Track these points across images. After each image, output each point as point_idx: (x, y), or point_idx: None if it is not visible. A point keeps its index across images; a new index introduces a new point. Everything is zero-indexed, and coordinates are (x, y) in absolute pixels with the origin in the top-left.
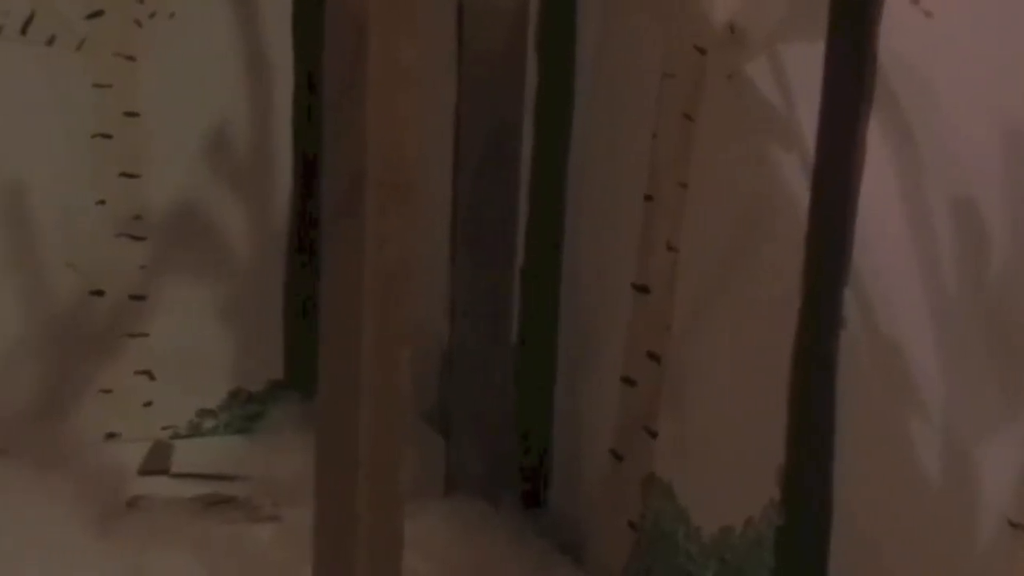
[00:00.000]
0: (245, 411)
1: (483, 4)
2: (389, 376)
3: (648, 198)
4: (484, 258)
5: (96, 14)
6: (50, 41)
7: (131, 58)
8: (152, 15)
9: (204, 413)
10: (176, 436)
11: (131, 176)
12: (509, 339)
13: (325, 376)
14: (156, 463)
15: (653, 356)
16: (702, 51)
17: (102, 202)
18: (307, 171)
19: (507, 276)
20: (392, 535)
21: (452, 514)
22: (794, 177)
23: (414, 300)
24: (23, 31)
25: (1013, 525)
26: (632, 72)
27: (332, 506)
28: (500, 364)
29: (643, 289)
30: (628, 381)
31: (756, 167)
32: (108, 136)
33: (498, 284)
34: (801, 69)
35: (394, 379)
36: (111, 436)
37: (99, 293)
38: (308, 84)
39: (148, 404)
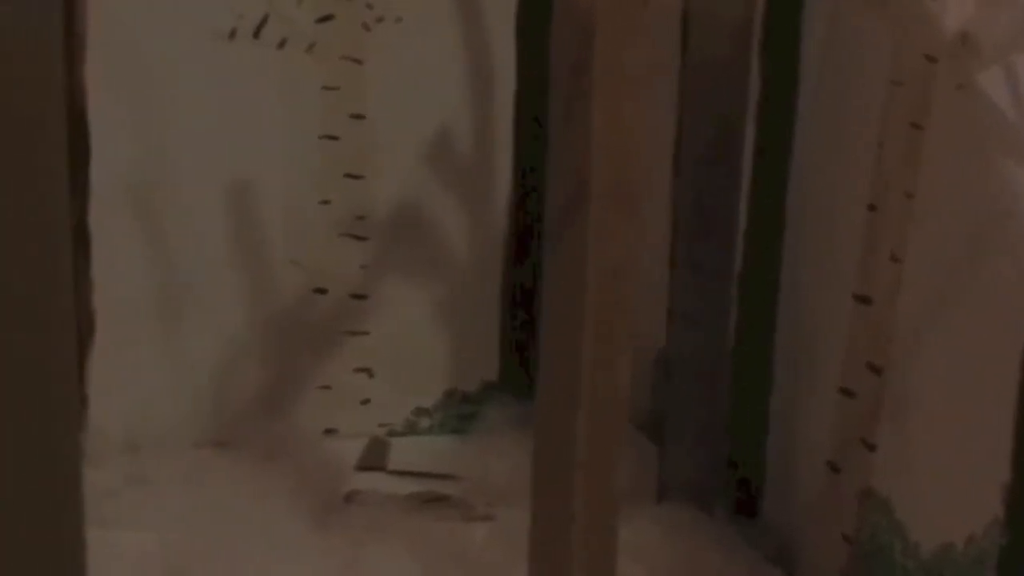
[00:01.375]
0: (460, 411)
1: (708, 11)
2: (609, 379)
3: (872, 207)
4: (703, 263)
5: (326, 18)
6: (281, 44)
7: (359, 61)
8: (380, 19)
9: (420, 412)
10: (392, 433)
11: (355, 177)
12: (726, 345)
13: (544, 378)
14: (373, 459)
15: (873, 368)
16: (932, 60)
17: (327, 202)
18: (527, 174)
19: (725, 282)
20: (607, 538)
21: (664, 520)
22: None
23: (633, 304)
24: (256, 34)
25: None
26: (858, 80)
27: (548, 507)
28: (716, 371)
29: (865, 299)
30: (846, 392)
31: (987, 179)
32: (335, 138)
33: (716, 290)
34: None
35: (614, 382)
36: (329, 432)
37: (322, 291)
38: (530, 89)
39: (366, 401)
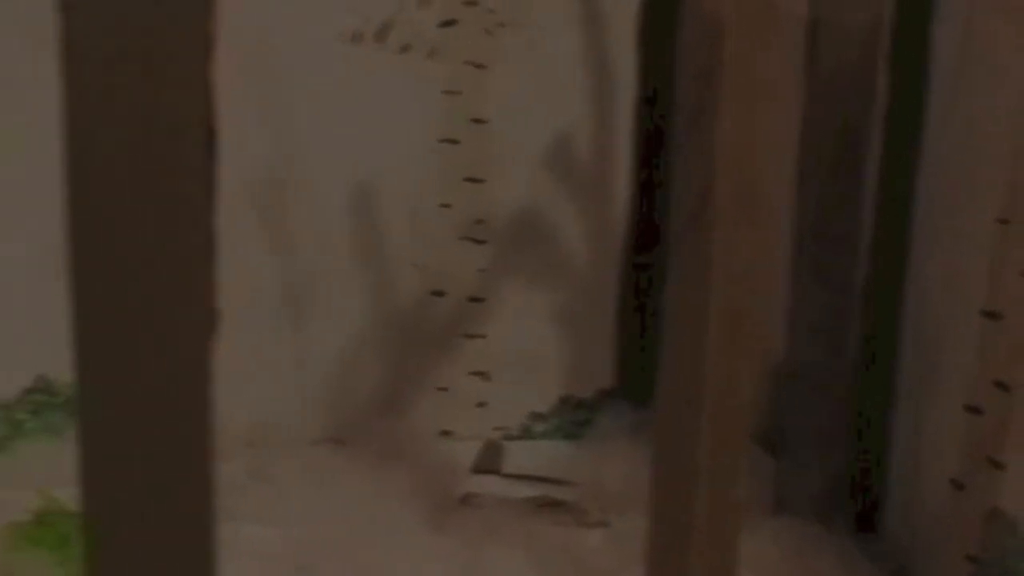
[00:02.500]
0: (575, 417)
1: (836, 18)
2: (731, 389)
3: (1003, 221)
4: (826, 274)
5: (449, 23)
6: (404, 48)
7: (480, 66)
8: (502, 25)
9: (535, 416)
10: (507, 437)
11: (475, 181)
12: (848, 358)
13: (664, 386)
14: (488, 462)
15: (1002, 385)
16: None
17: (447, 205)
18: (646, 182)
19: (849, 293)
20: (727, 550)
21: (783, 534)
22: None
23: (757, 314)
24: (380, 38)
25: None
26: (990, 89)
27: (667, 516)
28: (838, 383)
29: (993, 315)
30: (973, 409)
31: None
32: (455, 142)
33: (839, 301)
34: None
35: (737, 392)
36: (445, 433)
37: (440, 294)
38: (650, 96)
39: (482, 404)
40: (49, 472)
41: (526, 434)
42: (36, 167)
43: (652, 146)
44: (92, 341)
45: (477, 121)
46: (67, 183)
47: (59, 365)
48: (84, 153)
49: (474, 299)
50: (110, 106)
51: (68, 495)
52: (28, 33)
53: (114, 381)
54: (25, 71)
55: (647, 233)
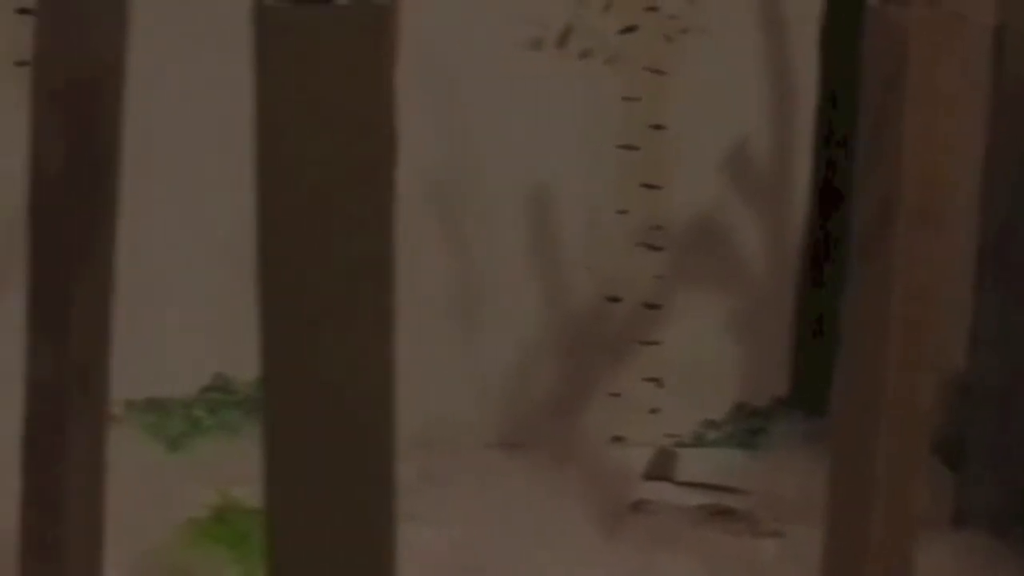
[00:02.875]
0: (748, 425)
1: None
2: (911, 400)
3: None
4: (1011, 287)
5: (629, 29)
6: (584, 54)
7: (660, 72)
8: (684, 31)
9: (708, 424)
10: (680, 444)
11: (653, 187)
12: None
13: (842, 396)
14: (661, 469)
15: None
16: None
17: (624, 211)
18: (825, 190)
19: None
20: (904, 563)
21: (960, 548)
22: None
23: (938, 326)
24: (560, 44)
25: None
26: None
27: (843, 528)
28: (1019, 396)
29: None
30: None
31: None
32: (634, 148)
33: (1022, 314)
34: None
35: (916, 403)
36: (617, 439)
37: (615, 300)
38: (832, 103)
39: (655, 411)
40: (226, 469)
41: (699, 441)
42: (216, 168)
43: (832, 152)
44: (277, 344)
45: (656, 127)
46: (257, 186)
47: (237, 364)
48: (273, 156)
49: (649, 305)
50: (299, 111)
51: (245, 492)
52: (225, 38)
53: (297, 384)
54: (216, 78)
55: (825, 240)
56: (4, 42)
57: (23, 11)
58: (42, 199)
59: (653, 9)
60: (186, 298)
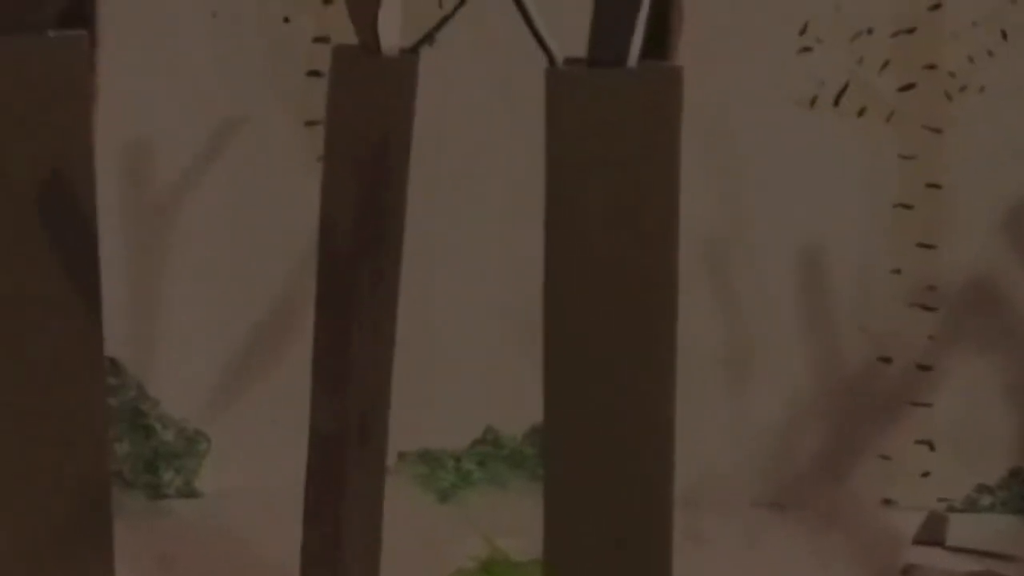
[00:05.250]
0: (1023, 491)
1: None
2: None
3: None
4: None
5: (908, 87)
6: (861, 112)
7: (938, 130)
8: (963, 88)
9: (981, 489)
10: (952, 509)
11: (928, 247)
12: None
13: None
14: (931, 534)
15: None
16: None
17: (897, 271)
18: None
19: None
20: None
21: None
22: None
23: None
24: (836, 102)
25: None
26: None
27: None
28: None
29: None
30: None
31: None
32: (909, 206)
33: None
34: None
35: None
36: (888, 502)
37: (887, 360)
38: None
39: (926, 474)
40: (494, 521)
41: (971, 507)
42: (496, 228)
43: None
44: (559, 398)
45: (932, 186)
46: (546, 243)
47: (506, 418)
48: (563, 215)
49: (922, 366)
50: (589, 171)
51: (512, 545)
52: (513, 102)
53: (578, 439)
54: (503, 143)
55: None
56: (295, 103)
57: (313, 73)
58: (330, 255)
59: (932, 67)
60: (459, 353)
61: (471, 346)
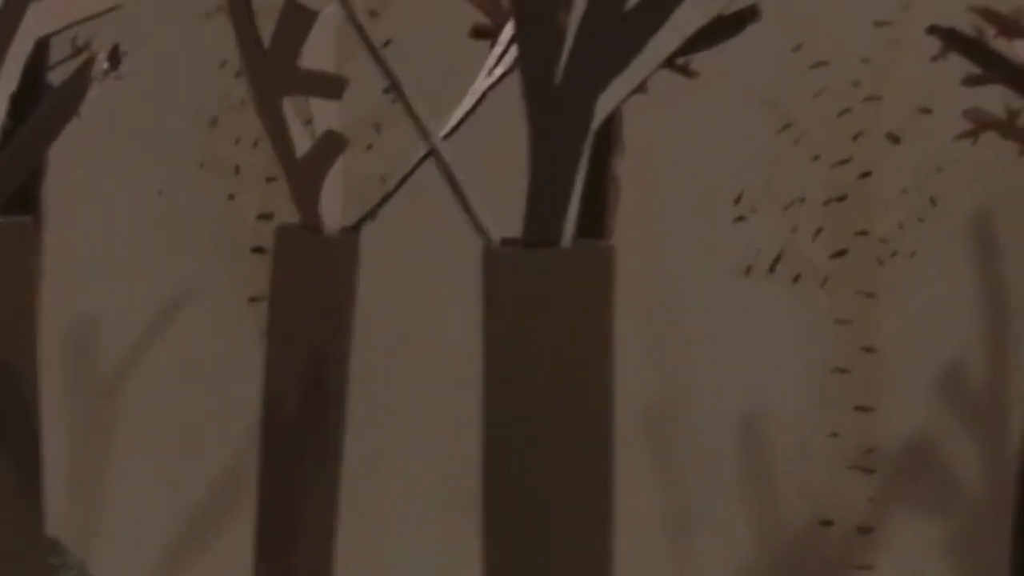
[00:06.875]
0: None
1: None
2: None
3: None
4: None
5: (841, 253)
6: (796, 278)
7: (871, 295)
8: (894, 254)
9: None
10: None
11: (865, 410)
12: None
13: None
14: None
15: None
16: None
17: (835, 434)
18: None
19: None
20: None
21: None
22: None
23: None
24: (771, 269)
25: None
26: None
27: None
28: None
29: None
30: None
31: None
32: (845, 370)
33: None
34: None
35: None
36: None
37: (828, 523)
38: None
39: None
40: None
41: None
42: (439, 406)
43: None
44: (499, 573)
45: (867, 350)
46: (484, 419)
47: None
48: (501, 390)
49: (863, 529)
50: (525, 346)
51: None
52: (450, 281)
53: None
54: (441, 317)
55: None
56: (240, 279)
57: (257, 249)
58: (273, 430)
59: (864, 233)
60: (403, 522)
61: (414, 516)
